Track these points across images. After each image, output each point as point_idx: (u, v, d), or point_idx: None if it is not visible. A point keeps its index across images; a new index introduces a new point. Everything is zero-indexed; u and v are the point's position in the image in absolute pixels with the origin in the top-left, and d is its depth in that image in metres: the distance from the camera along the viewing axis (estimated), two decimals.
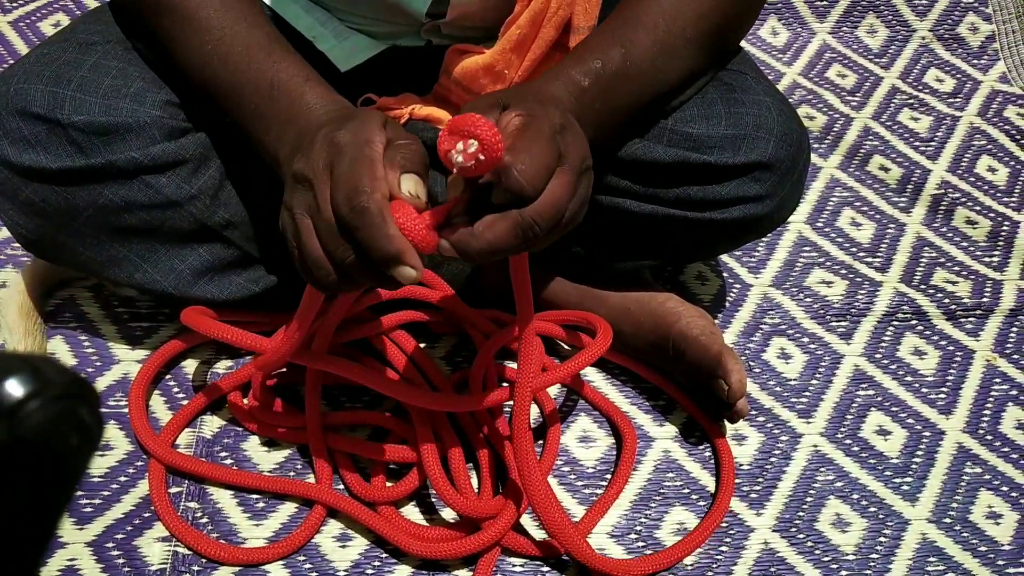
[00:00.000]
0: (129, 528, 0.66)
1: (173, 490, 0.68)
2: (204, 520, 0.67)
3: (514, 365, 0.77)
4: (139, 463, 0.69)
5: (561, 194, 0.47)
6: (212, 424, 0.72)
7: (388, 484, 0.68)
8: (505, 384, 0.76)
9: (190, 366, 0.75)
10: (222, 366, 0.75)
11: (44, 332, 0.75)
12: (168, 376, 0.75)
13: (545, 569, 0.67)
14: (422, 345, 0.76)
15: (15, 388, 0.22)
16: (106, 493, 0.68)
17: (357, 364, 0.69)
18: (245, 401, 0.72)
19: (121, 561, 0.64)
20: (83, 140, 0.62)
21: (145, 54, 0.65)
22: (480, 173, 0.46)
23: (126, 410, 0.72)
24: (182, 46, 0.60)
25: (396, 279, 0.46)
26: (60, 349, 0.75)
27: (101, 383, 0.74)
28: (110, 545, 0.65)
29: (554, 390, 0.77)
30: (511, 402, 0.65)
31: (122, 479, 0.68)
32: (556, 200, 0.47)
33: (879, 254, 0.91)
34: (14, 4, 1.04)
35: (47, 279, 0.77)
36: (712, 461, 0.74)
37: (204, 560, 0.65)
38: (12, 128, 0.62)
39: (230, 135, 0.65)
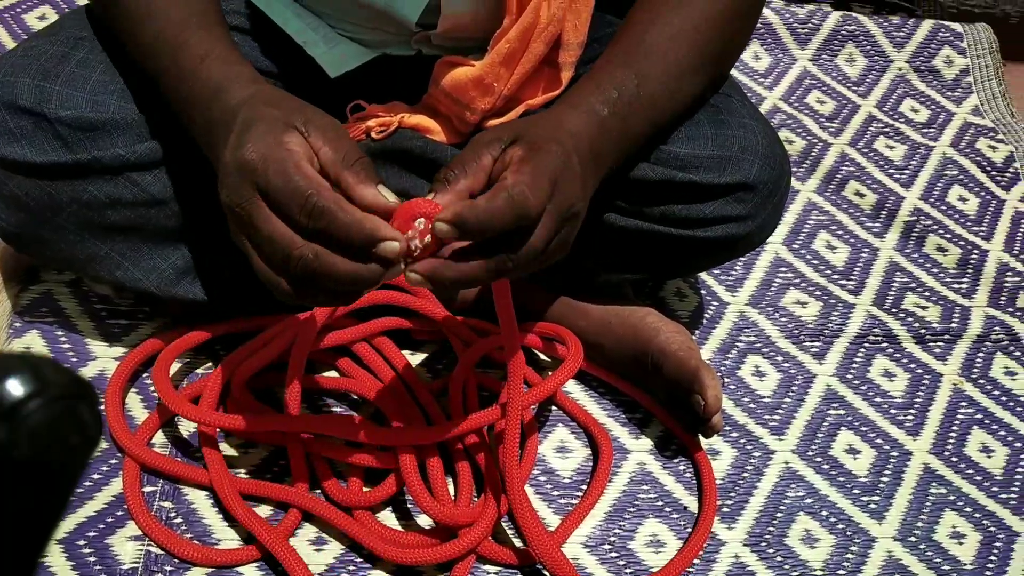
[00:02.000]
0: (101, 526, 0.65)
1: (147, 489, 0.68)
2: (178, 520, 0.66)
3: (493, 372, 0.78)
4: (113, 461, 0.69)
5: (540, 234, 0.49)
6: (188, 424, 0.72)
7: (365, 489, 0.69)
8: (485, 392, 0.77)
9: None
10: (201, 366, 0.75)
11: (6, 307, 0.74)
12: (145, 375, 0.74)
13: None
14: (403, 352, 0.77)
15: (15, 388, 0.22)
16: (79, 490, 0.67)
17: (337, 417, 0.72)
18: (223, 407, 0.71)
19: (93, 559, 0.64)
20: (69, 135, 0.62)
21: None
22: (436, 250, 0.48)
23: (101, 407, 0.71)
24: (127, 40, 0.60)
25: (378, 259, 0.46)
26: (36, 343, 0.74)
27: None
28: (81, 543, 0.64)
29: None
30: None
31: (95, 476, 0.68)
32: (533, 240, 0.48)
33: (853, 277, 0.93)
34: None
35: (20, 259, 0.76)
36: (687, 474, 0.75)
37: (177, 560, 0.64)
38: None
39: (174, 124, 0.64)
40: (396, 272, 0.48)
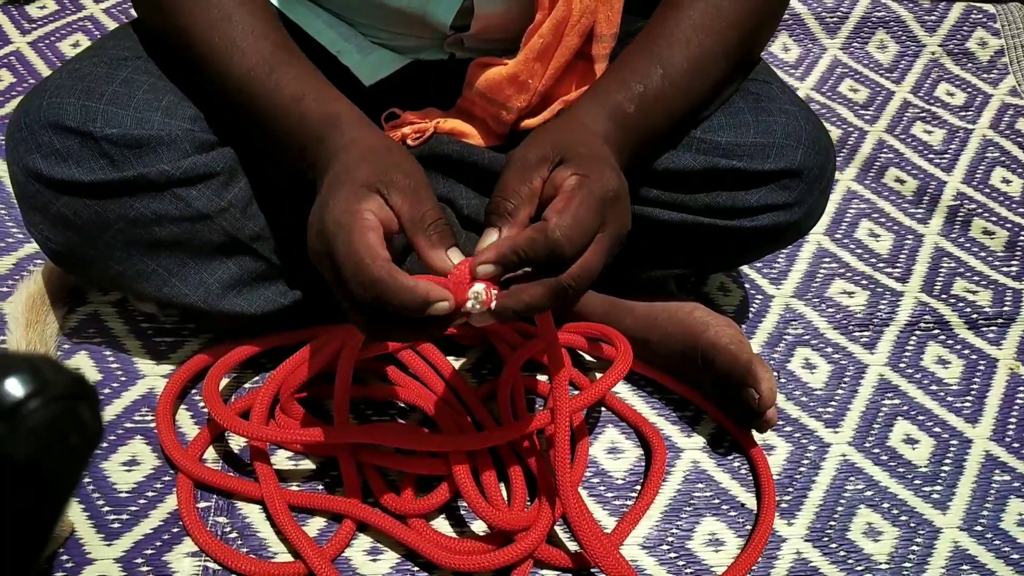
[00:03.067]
0: (158, 543, 0.65)
1: (201, 505, 0.67)
2: (233, 535, 0.66)
3: (541, 377, 0.77)
4: (166, 478, 0.69)
5: (596, 261, 0.51)
6: (239, 438, 0.71)
7: (418, 497, 0.68)
8: (532, 396, 0.76)
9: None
10: (248, 380, 0.75)
11: (54, 328, 0.74)
12: (194, 391, 0.74)
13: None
14: (449, 358, 0.76)
15: (15, 388, 0.22)
16: (134, 508, 0.67)
17: (387, 425, 0.72)
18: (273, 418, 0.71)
19: None
20: (115, 153, 0.62)
21: (172, 69, 0.65)
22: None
23: (152, 425, 0.71)
24: (208, 79, 0.61)
25: (433, 318, 0.50)
26: (84, 364, 0.75)
27: (127, 398, 0.73)
28: (139, 561, 0.64)
29: None
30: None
31: (150, 494, 0.68)
32: (591, 266, 0.51)
33: (899, 264, 0.91)
34: (34, 24, 1.04)
35: (66, 280, 0.77)
36: (742, 470, 0.74)
37: (235, 575, 0.64)
38: (44, 142, 0.62)
39: (254, 149, 0.66)
40: (460, 318, 0.51)
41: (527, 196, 0.52)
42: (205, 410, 0.73)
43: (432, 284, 0.50)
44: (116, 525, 0.66)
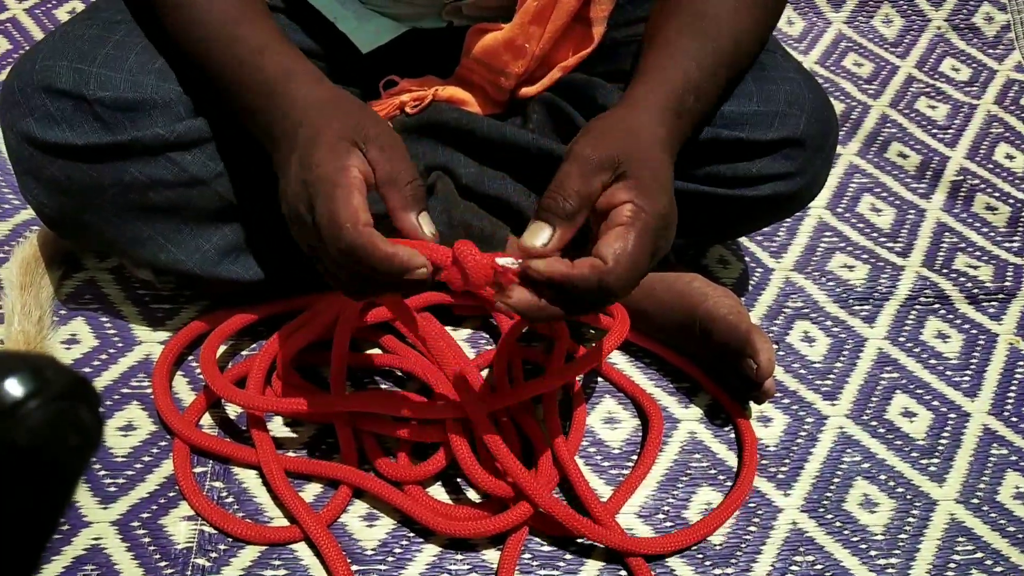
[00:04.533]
0: (154, 507, 0.65)
1: (198, 470, 0.67)
2: (230, 499, 0.66)
3: (537, 345, 0.77)
4: (163, 443, 0.69)
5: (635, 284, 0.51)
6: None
7: (414, 464, 0.68)
8: (529, 365, 0.76)
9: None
10: (246, 347, 0.75)
11: (49, 291, 0.74)
12: (191, 357, 0.74)
13: (573, 548, 0.66)
14: (446, 327, 0.76)
15: (15, 388, 0.22)
16: (130, 472, 0.67)
17: (383, 393, 0.72)
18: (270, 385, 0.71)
19: (147, 540, 0.64)
20: (109, 116, 0.61)
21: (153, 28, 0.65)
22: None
23: (149, 391, 0.71)
24: (178, 31, 0.60)
25: (409, 282, 0.49)
26: (81, 331, 0.75)
27: (123, 364, 0.73)
28: (135, 524, 0.64)
29: None
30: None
31: (146, 459, 0.68)
32: (629, 291, 0.50)
33: (900, 239, 0.91)
34: None
35: (60, 244, 0.76)
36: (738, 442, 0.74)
37: (230, 539, 0.64)
38: (37, 105, 0.61)
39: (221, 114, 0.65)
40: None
41: (585, 199, 0.50)
42: (202, 376, 0.73)
43: (412, 251, 0.49)
44: (112, 489, 0.66)
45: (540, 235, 0.50)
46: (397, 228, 0.51)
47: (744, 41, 0.61)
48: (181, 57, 0.62)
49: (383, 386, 0.74)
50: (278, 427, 0.71)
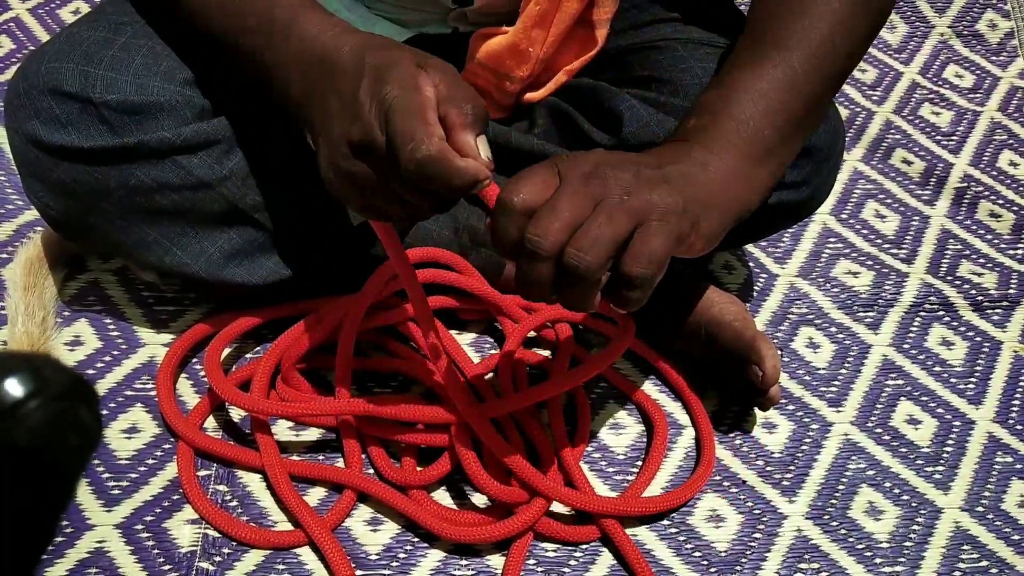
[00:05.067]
0: (158, 510, 0.65)
1: (202, 473, 0.67)
2: (234, 503, 0.66)
3: (543, 352, 0.77)
4: (167, 446, 0.69)
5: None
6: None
7: (419, 468, 0.68)
8: (534, 371, 0.76)
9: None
10: (250, 350, 0.75)
11: (52, 292, 0.74)
12: (195, 359, 0.74)
13: (578, 554, 0.66)
14: (451, 331, 0.76)
15: (15, 388, 0.22)
16: (134, 475, 0.67)
17: (388, 397, 0.71)
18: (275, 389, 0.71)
19: (151, 543, 0.63)
20: (115, 119, 0.61)
21: (168, 33, 0.65)
22: None
23: (153, 393, 0.71)
24: (195, 9, 0.59)
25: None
26: (85, 332, 0.74)
27: (127, 366, 0.73)
28: (139, 527, 0.64)
29: None
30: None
31: (150, 461, 0.68)
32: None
33: (904, 246, 0.91)
34: None
35: (65, 246, 0.76)
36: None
37: (234, 543, 0.64)
38: (43, 108, 0.61)
39: (252, 109, 0.64)
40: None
41: None
42: (206, 379, 0.73)
43: (477, 164, 0.47)
44: (116, 492, 0.66)
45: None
46: (455, 147, 0.48)
47: (839, 65, 0.58)
48: (196, 34, 0.61)
49: (388, 390, 0.74)
50: (282, 430, 0.70)
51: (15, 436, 0.21)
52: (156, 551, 0.63)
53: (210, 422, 0.70)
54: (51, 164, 0.62)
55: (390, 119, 0.47)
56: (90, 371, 0.72)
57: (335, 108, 0.51)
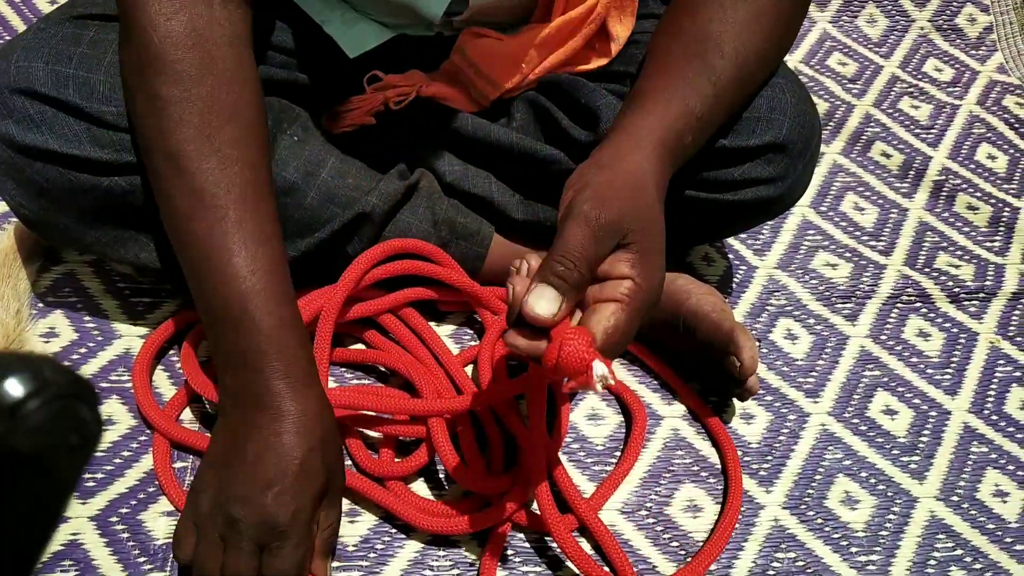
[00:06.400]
0: (133, 502, 0.65)
1: (178, 465, 0.67)
2: None
3: None
4: (142, 438, 0.68)
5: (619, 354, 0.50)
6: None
7: (396, 460, 0.68)
8: (513, 362, 0.76)
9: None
10: None
11: (26, 284, 0.73)
12: (171, 351, 0.73)
13: (555, 545, 0.66)
14: (430, 323, 0.76)
15: (15, 388, 0.22)
16: (109, 467, 0.66)
17: (366, 388, 0.70)
18: None
19: (126, 535, 0.63)
20: (96, 132, 0.61)
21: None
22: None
23: (128, 385, 0.70)
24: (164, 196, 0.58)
25: None
26: (60, 324, 0.74)
27: (103, 358, 0.72)
28: (114, 519, 0.64)
29: None
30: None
31: (125, 453, 0.67)
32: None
33: (882, 238, 0.91)
34: None
35: (39, 239, 0.75)
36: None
37: None
38: (17, 107, 0.60)
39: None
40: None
41: (593, 267, 0.47)
42: (182, 371, 0.72)
43: None
44: (91, 484, 0.65)
45: (547, 302, 0.46)
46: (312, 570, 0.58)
47: (751, 65, 0.58)
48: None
49: (366, 382, 0.74)
50: None
51: (15, 436, 0.21)
52: (131, 543, 0.63)
53: (186, 414, 0.70)
54: (24, 163, 0.62)
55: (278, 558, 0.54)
56: (65, 363, 0.71)
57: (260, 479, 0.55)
